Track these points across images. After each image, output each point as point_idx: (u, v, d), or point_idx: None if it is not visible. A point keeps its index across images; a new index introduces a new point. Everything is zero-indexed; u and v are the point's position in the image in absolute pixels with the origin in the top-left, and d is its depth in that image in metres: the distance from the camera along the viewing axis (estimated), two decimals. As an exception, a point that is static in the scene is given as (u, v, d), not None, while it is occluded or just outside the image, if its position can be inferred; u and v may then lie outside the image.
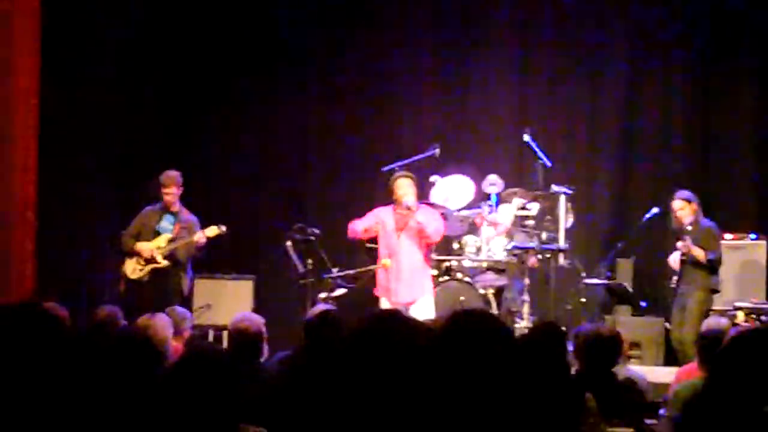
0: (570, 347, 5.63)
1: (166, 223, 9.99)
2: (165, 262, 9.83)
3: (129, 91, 11.48)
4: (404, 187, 9.30)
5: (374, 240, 9.60)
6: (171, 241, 9.88)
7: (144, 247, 9.86)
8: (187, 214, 10.06)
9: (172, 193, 9.93)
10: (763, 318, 10.12)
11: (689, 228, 9.90)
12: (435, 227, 9.41)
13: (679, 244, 9.88)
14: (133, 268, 9.88)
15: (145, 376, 4.07)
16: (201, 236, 9.83)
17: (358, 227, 9.42)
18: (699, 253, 9.81)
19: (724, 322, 6.76)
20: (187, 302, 9.87)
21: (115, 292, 10.03)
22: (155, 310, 7.11)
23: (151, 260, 9.84)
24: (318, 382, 3.87)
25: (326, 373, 3.14)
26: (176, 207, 10.02)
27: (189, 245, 9.88)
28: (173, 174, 10.04)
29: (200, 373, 3.31)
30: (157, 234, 9.94)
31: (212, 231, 9.87)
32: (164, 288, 9.78)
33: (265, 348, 6.05)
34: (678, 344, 9.89)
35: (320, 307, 6.74)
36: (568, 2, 12.16)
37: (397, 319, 2.22)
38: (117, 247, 10.09)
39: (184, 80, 12.44)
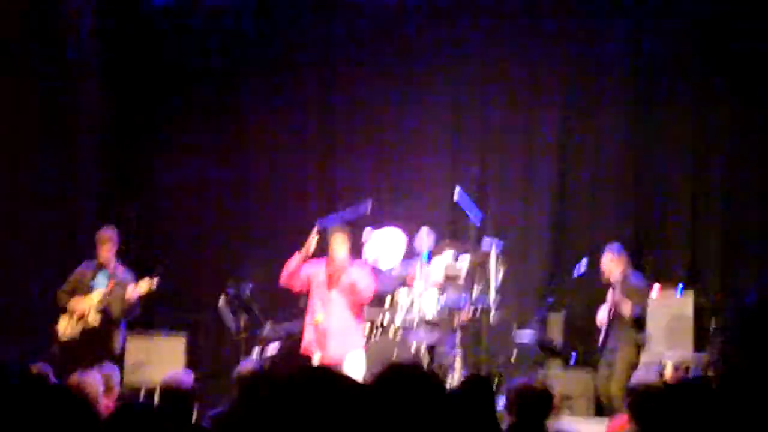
0: (503, 401, 5.69)
1: (101, 278, 9.93)
2: (97, 319, 9.75)
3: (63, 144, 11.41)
4: (337, 243, 9.38)
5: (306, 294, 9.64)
6: (105, 296, 9.82)
7: (77, 304, 9.78)
8: (122, 272, 10.03)
9: (108, 249, 9.93)
10: (691, 369, 10.26)
11: (618, 280, 10.07)
12: (365, 284, 9.49)
13: (609, 294, 10.06)
14: (64, 327, 9.79)
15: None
16: (133, 290, 9.77)
17: (293, 281, 9.47)
18: (626, 307, 9.97)
19: (652, 374, 6.87)
20: (118, 361, 9.76)
21: (47, 350, 9.91)
22: (86, 367, 7.06)
23: (82, 317, 9.75)
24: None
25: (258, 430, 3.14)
26: (112, 264, 10.00)
27: (123, 301, 9.80)
28: (109, 230, 10.04)
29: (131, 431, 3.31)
30: (91, 290, 9.87)
31: (144, 286, 9.82)
32: (96, 346, 9.68)
33: (195, 407, 6.03)
34: (605, 398, 10.04)
35: (250, 363, 6.73)
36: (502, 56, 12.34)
37: (327, 375, 2.25)
38: (53, 303, 10.01)
39: (125, 132, 12.48)
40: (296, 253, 9.63)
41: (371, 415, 2.15)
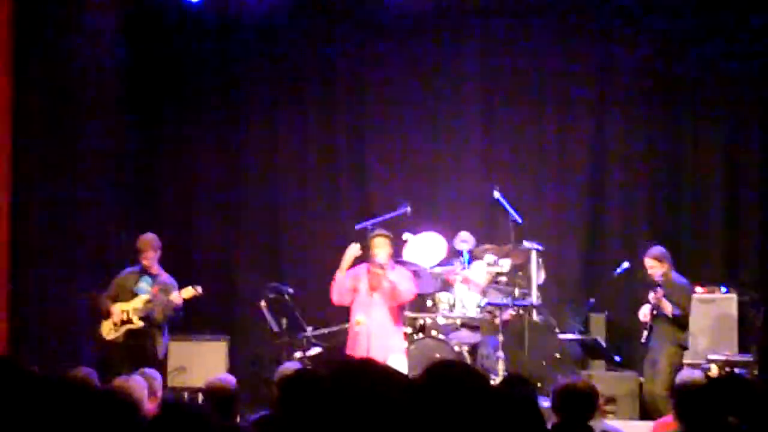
0: (547, 402, 5.65)
1: (143, 284, 10.01)
2: (140, 323, 9.82)
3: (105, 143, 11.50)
4: (379, 246, 9.41)
5: None
6: (148, 302, 9.88)
7: (120, 308, 9.86)
8: (165, 277, 10.09)
9: (150, 256, 10.00)
10: (736, 370, 10.17)
11: (661, 282, 10.01)
12: (407, 287, 9.51)
13: (651, 295, 9.97)
14: (108, 329, 9.88)
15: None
16: (177, 297, 9.84)
17: (344, 297, 9.49)
18: (667, 307, 9.91)
19: (697, 374, 6.80)
20: (161, 365, 9.81)
21: (91, 352, 10.00)
22: (130, 371, 7.10)
23: (126, 321, 9.84)
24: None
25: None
26: (155, 269, 10.07)
27: (166, 306, 9.86)
28: (149, 238, 10.11)
29: (178, 429, 3.31)
30: (135, 295, 9.94)
31: (188, 292, 9.88)
32: (139, 350, 9.75)
33: (238, 409, 6.05)
34: (650, 399, 9.96)
35: (291, 365, 6.73)
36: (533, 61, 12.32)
37: (371, 367, 2.22)
38: (95, 308, 10.07)
39: (156, 138, 12.57)
40: (337, 271, 9.60)
41: (418, 409, 2.14)
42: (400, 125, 12.54)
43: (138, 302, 9.90)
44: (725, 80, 11.96)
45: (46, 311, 10.61)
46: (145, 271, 10.04)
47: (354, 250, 9.56)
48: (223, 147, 12.66)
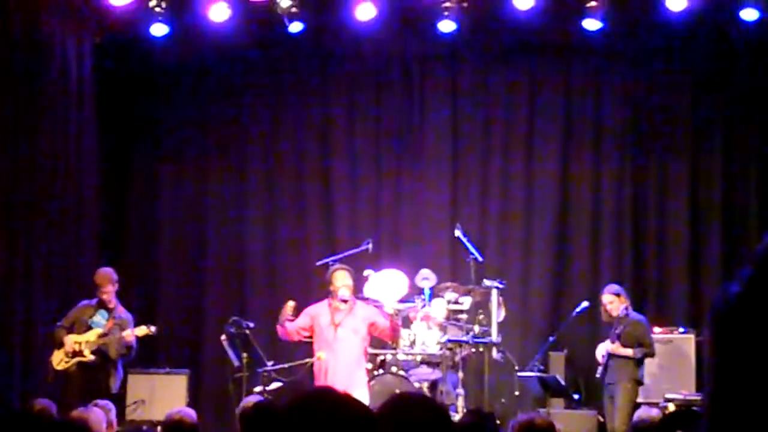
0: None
1: (99, 317, 9.94)
2: (91, 357, 9.74)
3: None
4: (341, 280, 9.40)
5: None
6: (101, 336, 9.81)
7: (72, 340, 9.78)
8: (122, 312, 10.04)
9: (108, 291, 9.96)
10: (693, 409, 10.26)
11: (619, 319, 10.13)
12: (382, 320, 9.53)
13: (610, 347, 10.08)
14: (59, 360, 9.79)
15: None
16: (129, 335, 9.80)
17: (289, 329, 9.47)
18: (627, 353, 10.03)
19: (655, 412, 6.86)
20: (116, 399, 9.73)
21: (44, 384, 9.92)
22: (81, 404, 7.06)
23: (77, 353, 9.75)
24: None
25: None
26: (112, 304, 10.01)
27: (119, 343, 9.81)
28: (107, 272, 10.07)
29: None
30: (90, 328, 9.87)
31: (141, 331, 9.86)
32: (92, 383, 9.65)
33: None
34: (612, 433, 10.09)
35: (253, 398, 6.73)
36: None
37: (331, 396, 2.25)
38: (50, 338, 10.02)
39: (122, 172, 12.59)
40: (277, 326, 9.60)
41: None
42: (366, 159, 12.62)
43: (91, 335, 9.81)
44: (688, 124, 12.17)
45: (5, 339, 10.54)
46: (102, 305, 9.99)
47: (289, 308, 9.54)
48: (191, 181, 12.69)
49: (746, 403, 1.52)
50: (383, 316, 9.68)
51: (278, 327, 9.54)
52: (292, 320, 9.49)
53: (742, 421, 1.51)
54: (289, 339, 9.63)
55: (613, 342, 10.10)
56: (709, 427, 1.56)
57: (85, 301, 10.10)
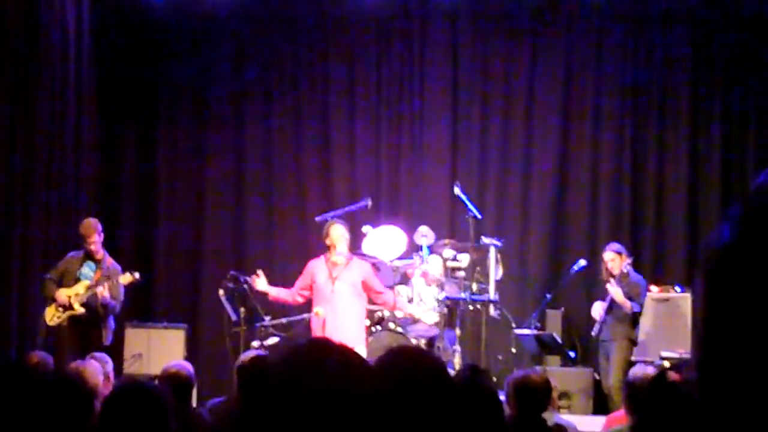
0: (502, 396, 5.70)
1: (87, 269, 9.83)
2: (81, 309, 9.66)
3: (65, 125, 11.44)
4: (337, 235, 9.40)
5: None
6: (89, 287, 9.75)
7: (62, 293, 9.71)
8: (110, 262, 9.93)
9: (94, 241, 9.82)
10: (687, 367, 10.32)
11: (618, 277, 10.19)
12: (376, 282, 9.55)
13: (608, 286, 10.15)
14: (51, 315, 9.71)
15: (81, 421, 4.05)
16: (124, 276, 9.76)
17: (297, 297, 9.53)
18: (624, 302, 10.08)
19: (650, 370, 6.87)
20: (113, 353, 9.71)
21: (37, 339, 9.92)
22: (76, 357, 7.06)
23: (68, 307, 9.70)
24: (252, 428, 3.86)
25: (260, 419, 3.14)
26: (100, 255, 9.89)
27: (112, 290, 9.74)
28: (92, 221, 9.95)
29: (134, 404, 3.33)
30: (78, 280, 9.81)
31: (126, 278, 9.77)
32: (85, 336, 9.61)
33: (194, 397, 6.06)
34: (606, 392, 10.16)
35: (251, 353, 6.75)
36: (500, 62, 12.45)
37: (327, 347, 2.23)
38: (41, 291, 10.00)
39: (121, 126, 12.55)
40: (269, 297, 9.66)
41: (377, 389, 2.15)
42: (365, 119, 12.60)
43: (80, 287, 9.73)
44: (688, 87, 12.16)
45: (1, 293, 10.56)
46: (89, 256, 9.89)
47: (260, 284, 9.58)
48: (189, 134, 12.65)
49: (738, 352, 1.49)
50: (374, 278, 9.68)
51: (269, 298, 9.59)
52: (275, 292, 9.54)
53: (733, 372, 1.49)
54: (296, 304, 9.69)
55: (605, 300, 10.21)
56: (700, 379, 1.54)
57: (73, 253, 9.99)
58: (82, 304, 9.68)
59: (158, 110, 12.69)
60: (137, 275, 9.80)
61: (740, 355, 1.43)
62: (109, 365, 7.23)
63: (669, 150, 12.18)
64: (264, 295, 9.60)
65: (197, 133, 12.66)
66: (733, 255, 1.51)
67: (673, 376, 9.18)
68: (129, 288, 9.92)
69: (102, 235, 9.91)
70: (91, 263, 9.86)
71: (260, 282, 9.57)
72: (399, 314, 10.32)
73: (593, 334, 10.39)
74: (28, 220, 10.78)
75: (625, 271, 10.22)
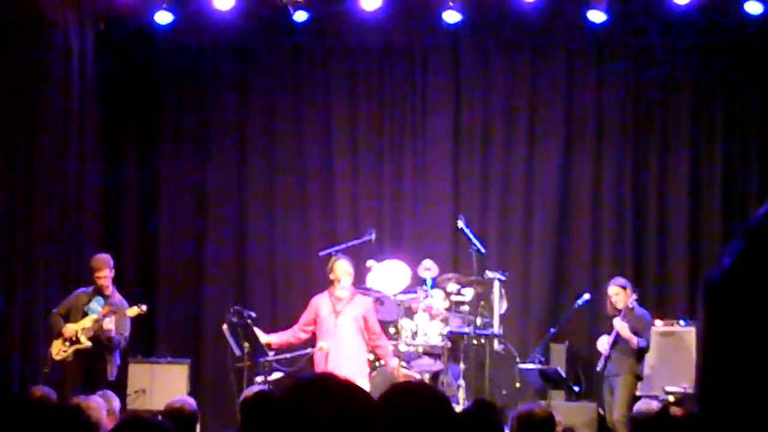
0: (507, 430, 5.68)
1: (95, 304, 9.84)
2: (88, 343, 9.65)
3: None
4: (341, 270, 9.44)
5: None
6: (96, 321, 9.73)
7: (69, 328, 9.71)
8: (118, 298, 9.97)
9: (104, 276, 9.87)
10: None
11: (623, 311, 10.18)
12: (374, 321, 9.60)
13: (615, 321, 10.13)
14: (58, 350, 9.70)
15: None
16: (134, 309, 9.78)
17: (300, 334, 9.59)
18: (631, 337, 10.07)
19: (654, 405, 6.86)
20: (117, 388, 9.70)
21: (40, 373, 9.91)
22: (81, 393, 7.04)
23: (75, 341, 9.68)
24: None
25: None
26: (109, 290, 9.93)
27: (119, 326, 9.73)
28: (104, 257, 10.01)
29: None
30: (85, 315, 9.80)
31: (133, 311, 9.80)
32: (90, 371, 9.61)
33: (198, 430, 6.04)
34: (611, 427, 10.11)
35: (255, 388, 6.74)
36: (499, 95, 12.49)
37: (331, 382, 2.23)
38: (47, 326, 10.01)
39: (122, 155, 12.60)
40: (270, 344, 9.72)
41: (381, 425, 2.16)
42: (368, 150, 12.61)
43: (87, 321, 9.73)
44: (688, 117, 12.15)
45: (5, 326, 10.55)
46: (98, 292, 9.91)
47: (264, 337, 9.63)
48: (192, 167, 12.66)
49: (738, 377, 1.50)
50: (373, 315, 9.72)
51: (278, 346, 9.64)
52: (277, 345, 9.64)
53: (733, 397, 1.50)
54: (300, 342, 9.74)
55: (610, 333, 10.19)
56: (701, 404, 1.55)
57: (82, 289, 10.02)
58: (89, 338, 9.68)
59: (161, 137, 12.71)
60: (144, 307, 9.84)
61: (740, 379, 1.44)
62: (116, 402, 7.22)
63: (671, 179, 12.12)
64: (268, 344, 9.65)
65: (199, 164, 12.66)
66: (731, 281, 1.53)
67: (676, 411, 9.19)
68: (134, 320, 9.92)
69: (113, 271, 9.97)
70: (99, 298, 9.89)
71: (260, 336, 9.62)
72: (402, 348, 10.30)
73: (598, 369, 10.35)
74: (30, 251, 10.80)
75: (630, 306, 10.20)
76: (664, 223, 12.13)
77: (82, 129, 11.68)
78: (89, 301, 9.88)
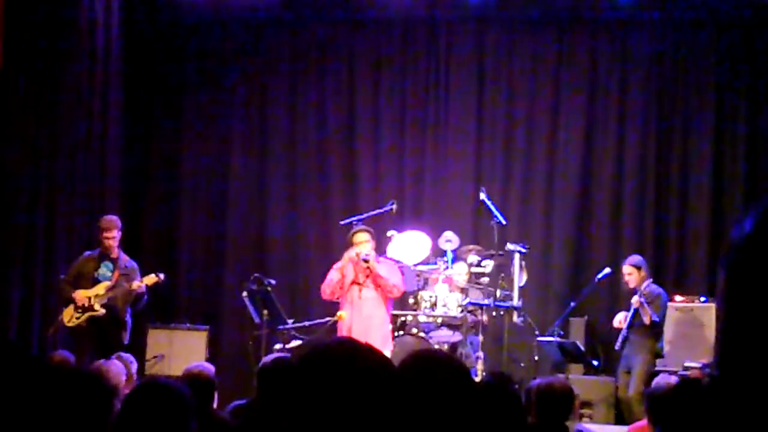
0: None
1: (104, 270, 9.81)
2: (102, 311, 9.66)
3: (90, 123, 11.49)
4: (360, 241, 9.44)
5: None
6: (110, 289, 9.74)
7: (81, 295, 9.69)
8: (126, 261, 9.92)
9: (112, 237, 9.80)
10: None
11: (639, 289, 10.14)
12: (394, 282, 9.55)
13: (634, 299, 10.10)
14: (70, 316, 9.70)
15: (100, 418, 4.05)
16: (139, 284, 9.71)
17: (335, 288, 9.55)
18: (646, 315, 10.03)
19: (673, 380, 6.83)
20: (132, 352, 9.71)
21: (49, 337, 9.95)
22: (96, 357, 7.07)
23: (88, 308, 9.68)
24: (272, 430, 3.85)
25: (281, 422, 3.13)
26: (115, 252, 9.88)
27: (128, 294, 9.74)
28: (113, 218, 9.97)
29: (155, 402, 3.33)
30: (97, 282, 9.77)
31: (150, 279, 9.74)
32: (104, 336, 9.60)
33: (216, 397, 6.06)
34: (624, 404, 10.08)
35: (274, 355, 6.74)
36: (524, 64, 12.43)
37: (353, 346, 2.21)
38: (59, 294, 9.99)
39: (145, 126, 12.61)
40: (332, 268, 9.69)
41: (400, 390, 2.15)
42: (391, 124, 12.59)
43: (100, 289, 9.71)
44: (712, 94, 12.07)
45: (24, 297, 10.60)
46: (104, 255, 9.87)
47: (350, 254, 9.62)
48: (212, 137, 12.71)
49: (758, 339, 1.48)
50: (396, 275, 9.71)
51: (330, 279, 9.67)
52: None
53: (754, 360, 1.48)
54: (333, 296, 9.76)
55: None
56: (721, 367, 1.53)
57: (88, 253, 9.98)
58: (103, 305, 9.68)
59: (184, 113, 12.74)
60: (162, 276, 9.80)
61: (760, 341, 1.42)
62: (134, 365, 7.26)
63: (693, 158, 12.07)
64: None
65: (222, 136, 12.69)
66: (754, 245, 1.50)
67: (695, 373, 9.17)
68: (153, 288, 9.92)
69: (121, 233, 9.91)
70: (108, 263, 9.85)
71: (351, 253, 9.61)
72: (422, 319, 10.31)
73: (616, 347, 10.31)
74: (53, 218, 10.84)
75: (645, 291, 10.17)
76: (685, 199, 12.08)
77: (106, 106, 11.70)
78: (98, 266, 9.84)
